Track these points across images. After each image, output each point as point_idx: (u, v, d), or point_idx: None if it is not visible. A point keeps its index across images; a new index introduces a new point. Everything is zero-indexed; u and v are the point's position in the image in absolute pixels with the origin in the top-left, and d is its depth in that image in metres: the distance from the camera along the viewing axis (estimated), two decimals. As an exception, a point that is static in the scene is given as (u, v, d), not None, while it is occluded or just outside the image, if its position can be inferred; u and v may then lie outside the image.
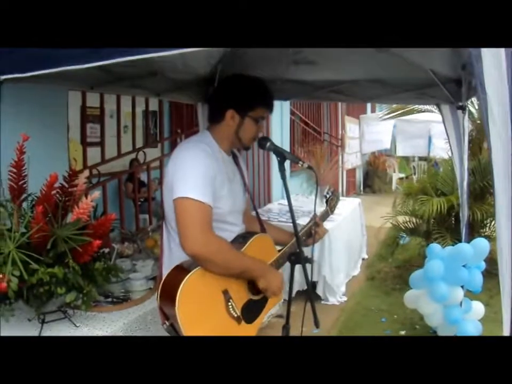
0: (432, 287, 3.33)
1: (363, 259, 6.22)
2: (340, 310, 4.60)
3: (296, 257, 2.05)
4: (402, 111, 6.27)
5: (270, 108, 2.01)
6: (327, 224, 4.78)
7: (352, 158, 11.40)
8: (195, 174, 1.77)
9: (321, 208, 2.46)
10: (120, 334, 2.14)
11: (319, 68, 3.23)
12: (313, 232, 2.21)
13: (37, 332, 2.02)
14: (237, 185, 2.05)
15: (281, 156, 1.94)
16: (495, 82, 1.25)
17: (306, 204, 5.94)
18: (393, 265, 5.78)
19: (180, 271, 1.74)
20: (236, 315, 1.82)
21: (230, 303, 1.81)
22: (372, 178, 12.53)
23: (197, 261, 1.73)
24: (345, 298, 4.88)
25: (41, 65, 1.92)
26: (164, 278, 1.77)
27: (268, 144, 1.95)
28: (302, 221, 4.98)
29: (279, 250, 2.11)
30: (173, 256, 1.90)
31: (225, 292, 1.81)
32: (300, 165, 1.95)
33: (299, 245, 2.01)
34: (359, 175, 12.41)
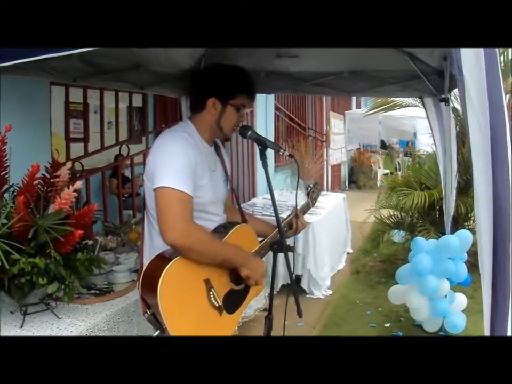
0: (421, 281, 3.35)
1: (348, 253, 6.26)
2: (324, 304, 4.62)
3: (279, 246, 2.05)
4: (385, 106, 6.29)
5: (251, 96, 2.01)
6: (311, 218, 4.88)
7: (337, 153, 11.44)
8: (175, 163, 1.76)
9: (303, 200, 2.48)
10: (103, 325, 2.13)
11: (302, 60, 3.24)
12: (294, 223, 2.20)
13: (19, 324, 2.00)
14: (218, 176, 2.04)
15: (263, 144, 1.94)
16: (472, 63, 1.27)
17: (290, 198, 5.93)
18: (377, 259, 5.82)
19: (161, 259, 1.73)
20: (217, 304, 1.81)
21: (211, 293, 1.80)
22: (357, 174, 12.58)
23: (177, 251, 1.72)
24: (330, 292, 4.90)
25: (16, 56, 1.89)
26: (145, 267, 1.75)
27: (249, 132, 1.95)
28: (286, 215, 5.00)
29: (261, 241, 2.11)
30: (154, 245, 1.89)
31: (207, 281, 1.80)
32: (280, 153, 1.95)
33: (281, 234, 2.01)
34: (344, 171, 12.45)
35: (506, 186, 1.25)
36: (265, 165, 1.97)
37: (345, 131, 11.92)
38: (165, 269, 1.66)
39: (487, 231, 1.29)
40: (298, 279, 4.90)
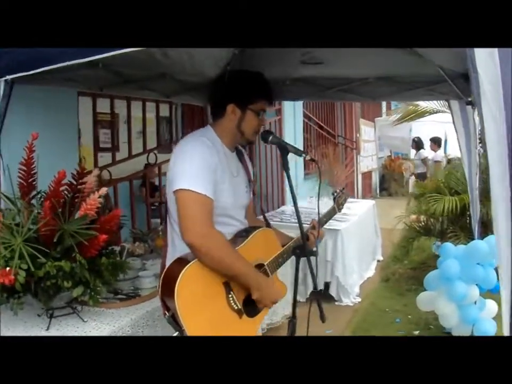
0: (449, 286, 3.29)
1: (378, 261, 6.19)
2: (353, 311, 4.58)
3: (301, 250, 2.04)
4: (414, 114, 6.21)
5: (269, 100, 2.02)
6: (340, 225, 4.86)
7: (367, 161, 11.35)
8: (194, 166, 1.78)
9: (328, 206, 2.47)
10: (127, 329, 2.16)
11: (327, 67, 3.24)
12: (310, 234, 2.21)
13: (45, 326, 2.05)
14: (240, 181, 2.05)
15: (284, 149, 1.95)
16: (486, 61, 1.25)
17: (320, 206, 5.93)
18: (408, 267, 5.73)
19: (180, 262, 1.75)
20: (236, 307, 1.82)
21: (230, 295, 1.80)
22: (388, 181, 12.45)
23: (194, 252, 1.73)
24: (359, 299, 4.85)
25: (39, 64, 1.96)
26: (165, 269, 1.79)
27: (271, 137, 1.96)
28: (314, 222, 5.00)
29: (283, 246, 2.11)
30: (175, 249, 1.91)
31: (226, 284, 1.80)
32: (302, 157, 1.95)
33: (303, 238, 2.01)
34: (375, 178, 12.34)
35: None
36: (286, 169, 1.98)
37: (375, 138, 11.82)
38: (183, 271, 1.68)
39: (505, 232, 1.26)
40: (327, 286, 4.87)
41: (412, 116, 6.38)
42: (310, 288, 4.92)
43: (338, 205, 2.49)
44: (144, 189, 5.58)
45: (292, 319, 2.11)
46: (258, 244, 1.97)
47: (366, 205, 6.25)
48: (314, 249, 2.07)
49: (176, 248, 1.91)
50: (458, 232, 4.74)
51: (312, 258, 2.04)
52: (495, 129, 1.25)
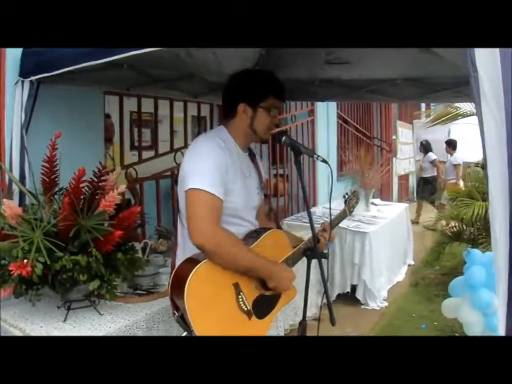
0: (474, 294, 3.22)
1: (409, 265, 6.09)
2: (379, 315, 4.53)
3: (312, 252, 2.04)
4: (446, 117, 6.08)
5: (280, 97, 2.01)
6: (369, 227, 4.81)
7: (404, 163, 11.17)
8: (206, 166, 1.79)
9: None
10: (142, 323, 2.21)
11: (353, 67, 3.22)
12: (321, 237, 2.19)
13: (63, 318, 2.12)
14: (252, 182, 2.05)
15: (297, 150, 1.96)
16: (486, 60, 1.23)
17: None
18: (439, 272, 5.62)
19: (191, 262, 1.75)
20: (246, 309, 1.82)
21: (240, 296, 1.80)
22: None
23: (204, 253, 1.74)
24: (386, 304, 4.79)
25: (62, 65, 2.03)
26: (175, 269, 1.80)
27: (284, 138, 1.97)
28: (343, 224, 4.93)
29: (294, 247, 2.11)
30: (186, 248, 1.92)
31: (236, 285, 1.80)
32: (314, 158, 1.95)
33: (314, 240, 2.01)
34: (412, 181, 12.11)
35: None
36: (299, 169, 2.00)
37: (413, 141, 11.61)
38: (193, 271, 1.68)
39: (503, 234, 1.24)
40: (353, 289, 4.83)
41: (443, 119, 6.23)
42: (337, 290, 4.90)
43: (349, 208, 2.49)
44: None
45: (302, 321, 2.12)
46: (269, 245, 1.97)
47: (398, 208, 6.13)
48: (326, 251, 2.05)
49: (186, 247, 1.92)
50: (488, 238, 4.61)
51: (324, 261, 2.02)
52: (495, 129, 1.23)
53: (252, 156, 2.12)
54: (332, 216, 2.17)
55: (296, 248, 2.09)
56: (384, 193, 9.41)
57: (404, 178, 11.35)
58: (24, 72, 2.42)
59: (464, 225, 5.15)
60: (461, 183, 8.01)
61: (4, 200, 2.04)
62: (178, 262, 1.90)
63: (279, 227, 2.23)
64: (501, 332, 1.24)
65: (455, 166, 8.93)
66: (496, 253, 1.26)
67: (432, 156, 9.60)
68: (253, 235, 2.00)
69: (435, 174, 9.52)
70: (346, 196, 2.48)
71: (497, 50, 1.22)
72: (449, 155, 9.24)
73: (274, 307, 1.99)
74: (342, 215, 2.44)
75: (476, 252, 3.43)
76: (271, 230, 2.06)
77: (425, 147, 9.72)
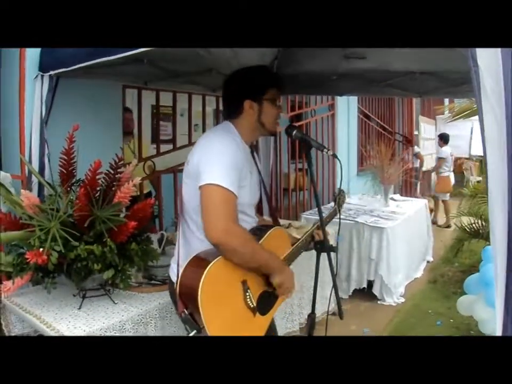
0: (488, 291, 3.19)
1: (428, 262, 6.04)
2: (395, 311, 4.51)
3: (321, 246, 2.07)
4: (467, 112, 5.99)
5: (279, 88, 2.06)
6: (386, 223, 4.79)
7: (427, 159, 11.02)
8: (225, 162, 1.78)
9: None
10: (155, 312, 2.26)
11: (371, 61, 3.21)
12: (316, 235, 2.22)
13: (78, 305, 2.19)
14: (255, 179, 2.07)
15: (308, 143, 1.99)
16: (487, 54, 1.22)
17: (370, 203, 5.88)
18: (458, 269, 5.57)
19: (201, 260, 1.74)
20: (252, 306, 1.83)
21: (248, 294, 1.81)
22: (449, 181, 12.04)
23: (219, 250, 1.73)
24: (402, 300, 4.76)
25: (79, 60, 2.07)
26: (184, 267, 1.76)
27: (295, 132, 2.00)
28: (361, 219, 4.96)
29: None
30: (190, 247, 1.92)
31: (244, 282, 1.81)
32: (324, 152, 1.96)
33: (324, 234, 2.03)
34: (434, 178, 11.95)
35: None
36: (309, 163, 2.02)
37: (436, 136, 11.46)
38: (206, 269, 1.66)
39: (502, 233, 1.24)
40: (370, 284, 4.82)
41: (465, 113, 6.14)
42: (353, 286, 4.90)
43: (338, 206, 2.51)
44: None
45: (311, 314, 2.15)
46: (272, 243, 1.99)
47: (417, 204, 6.07)
48: (335, 245, 2.07)
49: (190, 246, 1.93)
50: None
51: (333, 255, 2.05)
52: (495, 124, 1.23)
53: (252, 152, 2.14)
54: (324, 214, 2.18)
55: (294, 246, 2.12)
56: (405, 189, 9.36)
57: (426, 174, 11.21)
58: (43, 67, 2.49)
59: (483, 222, 5.08)
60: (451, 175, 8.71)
61: (22, 190, 2.10)
62: (182, 260, 1.87)
63: (277, 223, 2.24)
64: (498, 325, 1.25)
65: (439, 159, 9.13)
66: (494, 248, 1.27)
67: (416, 148, 9.98)
68: (257, 232, 2.00)
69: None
70: (335, 194, 2.56)
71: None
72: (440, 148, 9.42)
73: (275, 304, 2.01)
74: (332, 214, 2.52)
75: (492, 248, 3.39)
76: (274, 228, 2.07)
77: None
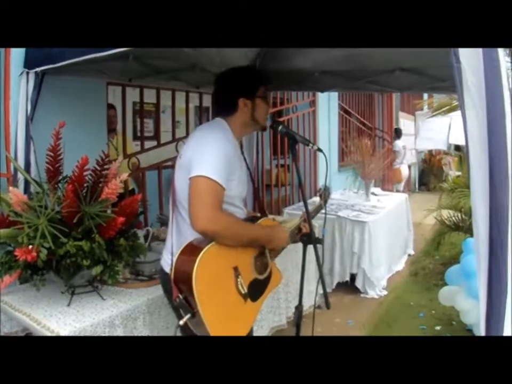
0: (469, 282, 3.27)
1: (409, 255, 6.15)
2: (378, 304, 4.59)
3: (308, 238, 2.11)
4: (446, 108, 6.10)
5: (267, 83, 2.18)
6: (368, 217, 4.86)
7: (407, 155, 11.17)
8: (216, 155, 1.85)
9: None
10: (144, 307, 2.28)
11: (352, 59, 3.26)
12: (302, 227, 2.28)
13: (67, 302, 2.20)
14: (244, 173, 2.13)
15: (293, 138, 2.06)
16: (470, 51, 1.27)
17: (352, 197, 5.96)
18: (438, 262, 5.68)
19: (194, 247, 1.80)
20: (243, 292, 1.88)
21: (239, 280, 1.87)
22: (428, 176, 12.25)
23: (207, 237, 1.80)
24: (385, 292, 4.85)
25: (64, 57, 2.08)
26: (178, 253, 1.81)
27: (280, 127, 2.08)
28: (343, 213, 5.02)
29: None
30: (182, 236, 1.96)
31: (236, 269, 1.87)
32: (310, 147, 2.02)
33: (310, 226, 2.08)
34: (414, 173, 12.14)
35: (503, 179, 1.24)
36: (294, 158, 2.09)
37: (415, 132, 11.63)
38: (200, 255, 1.72)
39: (484, 226, 1.29)
40: (352, 278, 4.89)
41: (444, 109, 6.25)
42: (337, 279, 4.96)
43: (324, 201, 2.61)
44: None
45: (298, 305, 2.19)
46: None
47: (397, 199, 6.17)
48: (321, 237, 2.12)
49: (182, 236, 1.96)
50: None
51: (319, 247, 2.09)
52: (476, 119, 1.28)
53: (241, 147, 2.21)
54: (310, 208, 2.24)
55: (293, 227, 2.21)
56: (386, 184, 9.49)
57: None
58: (29, 64, 2.48)
59: (463, 215, 5.19)
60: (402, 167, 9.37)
61: (10, 188, 2.10)
62: (175, 249, 1.93)
63: (265, 214, 2.31)
64: (482, 314, 1.30)
65: (393, 152, 9.66)
66: (476, 240, 1.31)
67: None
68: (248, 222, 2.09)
69: None
70: (320, 190, 2.66)
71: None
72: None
73: (265, 290, 2.07)
74: (318, 208, 2.61)
75: (472, 240, 3.47)
76: (263, 219, 2.15)
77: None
